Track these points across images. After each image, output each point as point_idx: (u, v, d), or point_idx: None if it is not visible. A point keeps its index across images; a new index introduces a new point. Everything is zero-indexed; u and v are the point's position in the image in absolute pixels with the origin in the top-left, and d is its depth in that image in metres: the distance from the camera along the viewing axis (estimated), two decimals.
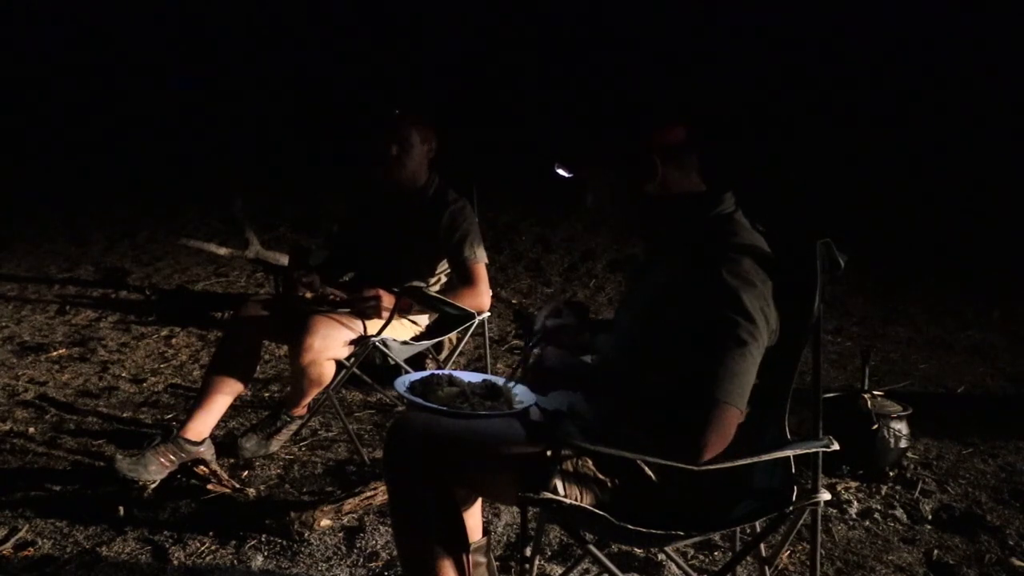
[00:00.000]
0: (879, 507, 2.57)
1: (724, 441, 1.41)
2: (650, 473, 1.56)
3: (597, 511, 1.48)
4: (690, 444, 1.39)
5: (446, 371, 1.91)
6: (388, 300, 2.71)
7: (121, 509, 2.45)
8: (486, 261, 2.90)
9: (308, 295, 2.84)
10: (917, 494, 2.66)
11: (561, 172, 1.68)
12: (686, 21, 10.42)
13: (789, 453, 1.54)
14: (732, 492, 1.59)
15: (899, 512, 2.54)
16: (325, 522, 2.38)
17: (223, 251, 5.07)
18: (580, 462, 1.59)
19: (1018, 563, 2.30)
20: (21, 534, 2.34)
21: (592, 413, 1.58)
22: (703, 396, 1.39)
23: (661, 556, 2.22)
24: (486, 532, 1.98)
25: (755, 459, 1.49)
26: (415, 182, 2.89)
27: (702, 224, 1.58)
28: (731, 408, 1.40)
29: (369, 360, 3.07)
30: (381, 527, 2.38)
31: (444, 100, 9.60)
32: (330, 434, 3.09)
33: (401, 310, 2.74)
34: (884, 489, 2.68)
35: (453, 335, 3.06)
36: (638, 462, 1.55)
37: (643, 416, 1.45)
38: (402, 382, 1.82)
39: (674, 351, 1.45)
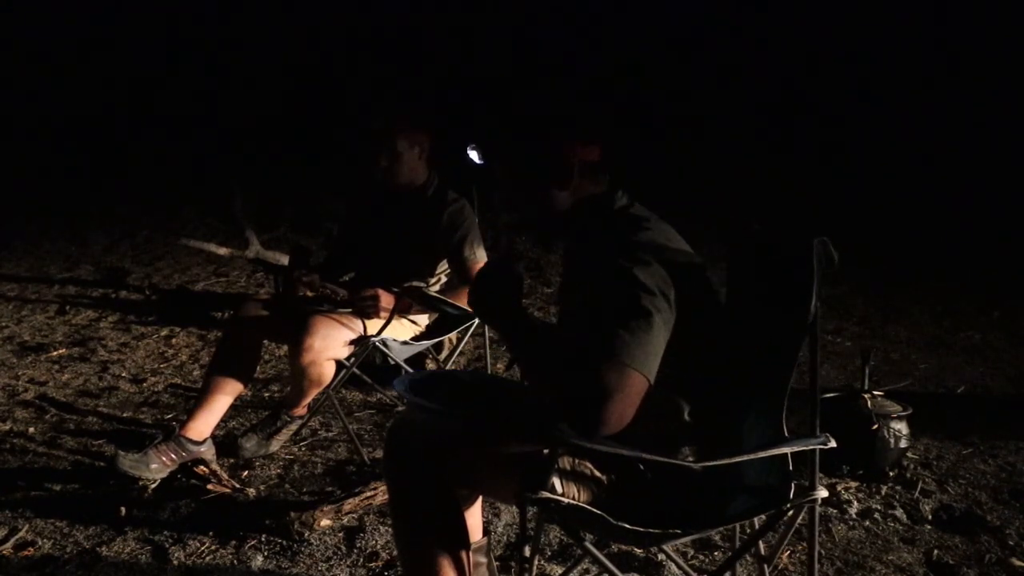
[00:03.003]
0: (879, 507, 2.57)
1: (631, 408, 1.39)
2: (644, 469, 1.56)
3: (595, 510, 1.48)
4: (593, 412, 1.37)
5: (446, 371, 1.91)
6: (387, 299, 2.71)
7: (122, 509, 2.45)
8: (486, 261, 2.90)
9: (308, 294, 2.84)
10: (917, 494, 2.66)
11: (472, 156, 1.71)
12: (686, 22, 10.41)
13: (786, 450, 1.54)
14: (729, 490, 1.59)
15: (899, 512, 2.54)
16: (325, 522, 2.38)
17: (223, 251, 5.07)
18: (578, 461, 1.59)
19: (1018, 563, 2.30)
20: (21, 534, 2.34)
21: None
22: (608, 362, 1.38)
23: (661, 556, 2.22)
24: (486, 532, 1.99)
25: (753, 456, 1.49)
26: (412, 183, 2.90)
27: (601, 221, 1.62)
28: (637, 374, 1.39)
29: (369, 360, 3.07)
30: (381, 527, 2.38)
31: (444, 100, 9.63)
32: (330, 434, 3.08)
33: (401, 310, 2.74)
34: (884, 489, 2.68)
35: (453, 335, 3.06)
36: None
37: (553, 385, 1.47)
38: (402, 382, 1.82)
39: (581, 329, 1.48)
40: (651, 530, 1.47)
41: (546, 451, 1.50)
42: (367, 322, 2.74)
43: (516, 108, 1.77)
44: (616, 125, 1.74)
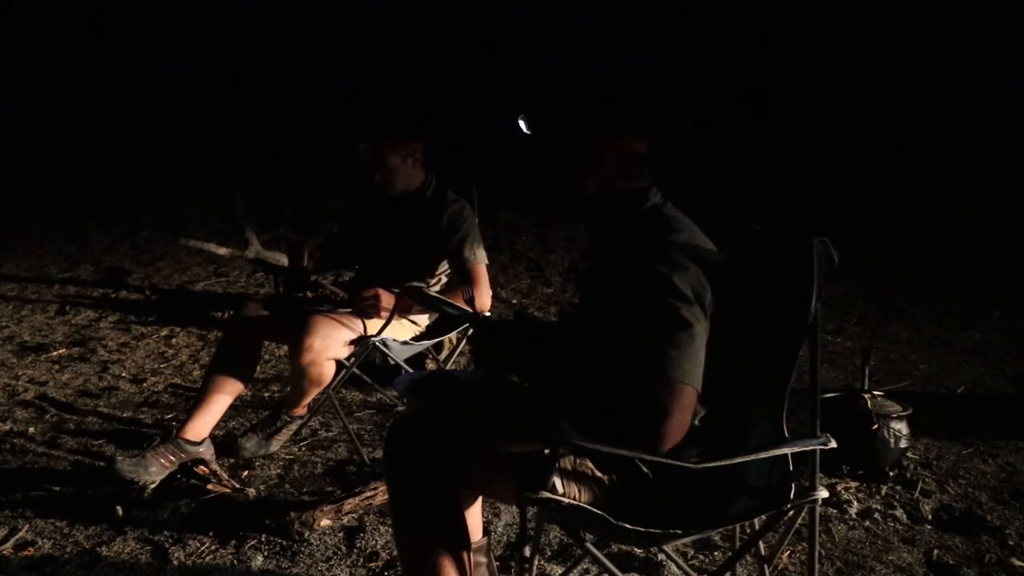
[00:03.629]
0: (879, 507, 2.57)
1: (687, 420, 1.41)
2: (646, 470, 1.56)
3: (595, 510, 1.48)
4: (653, 429, 1.38)
5: (446, 371, 1.91)
6: (388, 299, 2.71)
7: (120, 509, 2.44)
8: (486, 262, 2.90)
9: (308, 295, 2.84)
10: (917, 494, 2.66)
11: (521, 125, 1.70)
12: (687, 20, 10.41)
13: (787, 451, 1.54)
14: (730, 491, 1.59)
15: (899, 512, 2.54)
16: (325, 522, 2.38)
17: (223, 251, 5.07)
18: (579, 460, 1.59)
19: (1018, 563, 2.30)
20: (21, 534, 2.34)
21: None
22: (660, 379, 1.39)
23: (661, 556, 2.22)
24: (486, 532, 1.99)
25: (753, 457, 1.49)
26: (409, 188, 2.91)
27: (633, 219, 1.61)
28: (689, 388, 1.40)
29: (369, 360, 3.07)
30: (381, 527, 2.38)
31: (444, 101, 9.63)
32: (330, 434, 3.08)
33: (401, 310, 2.74)
34: (884, 489, 2.68)
35: (453, 335, 3.06)
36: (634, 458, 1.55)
37: (598, 406, 1.46)
38: (402, 382, 1.83)
39: (620, 341, 1.47)
40: (652, 530, 1.47)
41: (547, 451, 1.50)
42: (367, 322, 2.74)
43: (567, 92, 1.76)
44: (667, 122, 1.73)
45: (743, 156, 8.50)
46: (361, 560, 2.24)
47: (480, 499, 1.87)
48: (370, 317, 2.73)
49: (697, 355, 1.43)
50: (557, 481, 1.52)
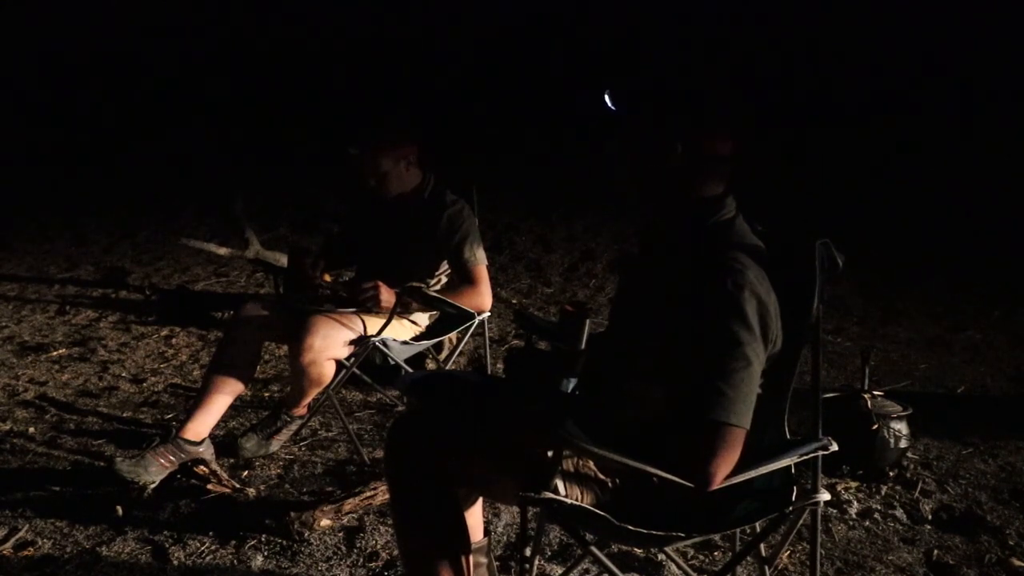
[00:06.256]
0: (879, 507, 2.57)
1: (734, 462, 1.42)
2: (655, 480, 1.56)
3: (598, 511, 1.48)
4: (703, 472, 1.39)
5: (446, 371, 1.92)
6: (387, 292, 2.72)
7: (120, 509, 2.45)
8: (486, 262, 2.90)
9: (322, 278, 2.85)
10: (917, 494, 2.66)
11: (607, 101, 1.63)
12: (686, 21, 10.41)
13: (789, 462, 1.54)
14: (732, 493, 1.59)
15: (899, 512, 2.54)
16: (325, 522, 2.38)
17: (223, 251, 5.07)
18: (581, 462, 1.59)
19: (1018, 563, 2.30)
20: (21, 534, 2.34)
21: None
22: (712, 421, 1.39)
23: (661, 556, 2.22)
24: (486, 532, 1.99)
25: (757, 472, 1.49)
26: (406, 189, 2.92)
27: (704, 229, 1.55)
28: (740, 430, 1.40)
29: (369, 360, 3.07)
30: (381, 527, 2.38)
31: (447, 102, 9.63)
32: (330, 434, 3.08)
33: (401, 308, 2.74)
34: (884, 489, 2.68)
35: (453, 335, 3.06)
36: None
37: (648, 440, 1.44)
38: (403, 382, 1.83)
39: (676, 363, 1.45)
40: (655, 532, 1.47)
41: (549, 452, 1.49)
42: (367, 322, 2.74)
43: (655, 78, 1.70)
44: (758, 123, 1.65)
45: (743, 156, 8.49)
46: (361, 560, 2.24)
47: (480, 499, 1.87)
48: (370, 310, 2.73)
49: (751, 395, 1.41)
50: (559, 482, 1.51)
